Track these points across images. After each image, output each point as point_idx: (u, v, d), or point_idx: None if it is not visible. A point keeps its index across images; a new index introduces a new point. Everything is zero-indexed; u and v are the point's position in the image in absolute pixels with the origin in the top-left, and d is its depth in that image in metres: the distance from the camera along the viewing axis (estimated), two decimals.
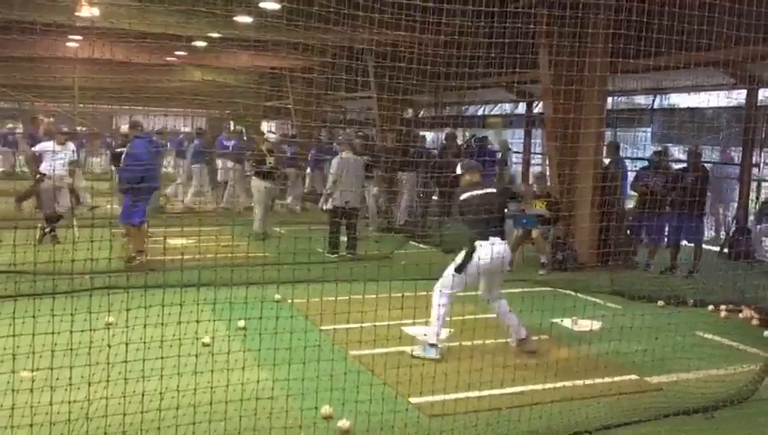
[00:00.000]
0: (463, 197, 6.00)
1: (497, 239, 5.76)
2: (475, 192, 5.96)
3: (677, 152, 13.49)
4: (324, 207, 10.31)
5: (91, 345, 4.03)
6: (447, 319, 5.83)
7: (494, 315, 6.03)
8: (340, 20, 6.24)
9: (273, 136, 12.70)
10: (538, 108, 16.46)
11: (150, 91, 18.51)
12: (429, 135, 17.55)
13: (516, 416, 4.44)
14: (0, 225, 7.75)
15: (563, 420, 4.46)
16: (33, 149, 11.03)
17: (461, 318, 6.12)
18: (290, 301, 6.72)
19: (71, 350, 3.89)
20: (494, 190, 6.05)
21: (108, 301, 4.41)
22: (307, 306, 6.39)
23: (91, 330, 4.01)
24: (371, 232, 12.23)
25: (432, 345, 5.67)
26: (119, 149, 10.51)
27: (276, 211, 12.22)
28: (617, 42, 6.93)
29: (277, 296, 6.82)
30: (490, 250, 5.66)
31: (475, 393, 4.73)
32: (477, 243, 5.70)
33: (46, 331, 3.81)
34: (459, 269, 5.70)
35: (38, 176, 10.38)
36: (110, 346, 4.01)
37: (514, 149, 18.04)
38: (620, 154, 11.18)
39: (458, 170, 6.21)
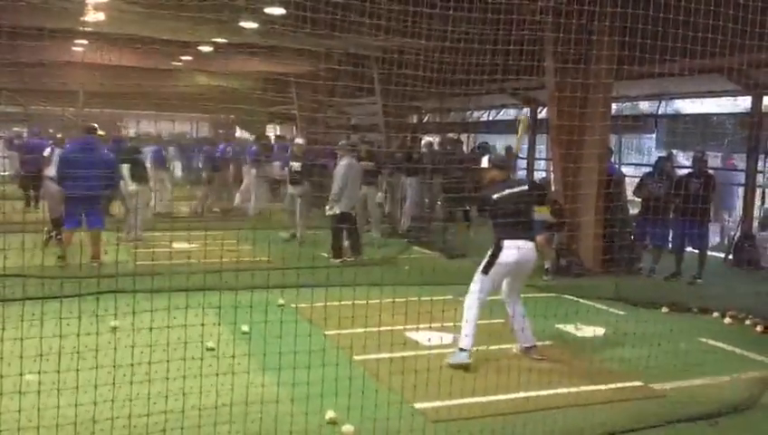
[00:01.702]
0: (496, 196, 5.75)
1: (524, 241, 5.61)
2: (507, 190, 5.76)
3: (682, 158, 13.49)
4: (329, 213, 10.30)
5: (97, 348, 4.05)
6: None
7: (501, 320, 6.02)
8: (345, 26, 6.27)
9: (300, 141, 12.75)
10: (542, 114, 16.48)
11: (156, 96, 18.60)
12: (435, 140, 17.55)
13: (520, 422, 4.44)
14: (7, 229, 7.81)
15: (567, 426, 4.46)
16: (43, 154, 11.14)
17: None
18: (294, 305, 6.73)
19: (77, 353, 3.92)
20: (526, 188, 5.92)
21: (114, 304, 4.44)
22: (311, 311, 6.42)
23: (97, 333, 4.03)
24: (375, 237, 12.26)
25: (462, 350, 5.54)
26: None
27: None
28: (622, 48, 6.96)
29: (281, 301, 6.83)
30: (516, 251, 5.54)
31: (480, 399, 4.73)
32: (503, 243, 5.58)
33: (53, 334, 3.83)
34: (485, 270, 5.62)
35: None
36: (115, 349, 4.04)
37: (520, 155, 18.05)
38: (612, 160, 11.20)
39: (485, 163, 5.95)
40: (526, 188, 5.96)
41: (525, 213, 5.77)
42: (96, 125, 9.80)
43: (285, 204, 12.40)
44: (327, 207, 10.26)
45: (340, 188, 10.08)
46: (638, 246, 10.33)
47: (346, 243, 10.35)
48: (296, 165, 11.79)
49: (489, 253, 5.68)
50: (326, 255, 10.09)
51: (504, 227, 5.65)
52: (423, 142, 15.76)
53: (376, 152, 13.05)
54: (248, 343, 5.58)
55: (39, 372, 3.88)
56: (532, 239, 5.74)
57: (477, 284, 5.64)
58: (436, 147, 15.31)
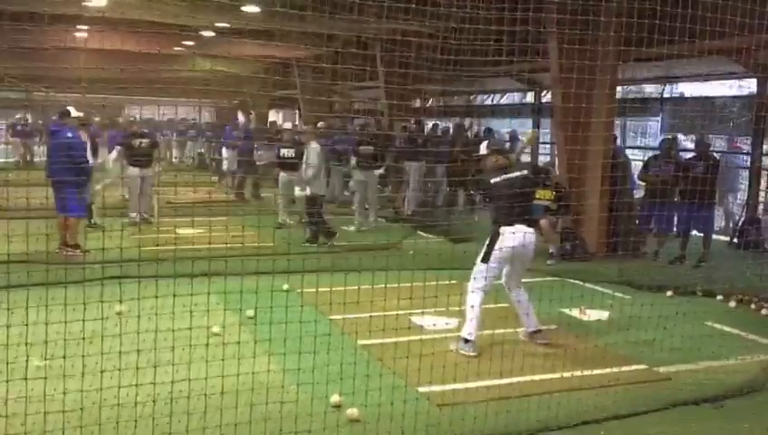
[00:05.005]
0: (493, 181, 5.74)
1: (523, 226, 5.56)
2: (506, 175, 5.71)
3: (688, 142, 13.42)
4: (300, 193, 10.35)
5: (103, 334, 4.06)
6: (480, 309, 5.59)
7: (506, 305, 6.02)
8: (347, 6, 6.20)
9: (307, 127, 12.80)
10: (546, 98, 16.38)
11: (159, 82, 18.50)
12: (440, 125, 17.48)
13: (525, 405, 4.45)
14: (13, 215, 7.83)
15: (572, 409, 4.47)
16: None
17: None
18: (299, 291, 6.73)
19: (83, 339, 3.93)
20: (526, 172, 5.85)
21: (119, 290, 4.44)
22: (316, 296, 6.41)
23: (102, 319, 4.03)
24: (377, 222, 12.26)
25: (466, 341, 5.54)
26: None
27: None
28: (627, 30, 6.87)
29: (285, 286, 6.83)
30: (513, 237, 5.50)
31: (484, 383, 4.74)
32: (502, 229, 5.55)
33: (59, 320, 3.84)
34: (485, 259, 5.58)
35: None
36: (121, 335, 4.04)
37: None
38: (618, 144, 11.15)
39: (483, 150, 5.90)
40: (527, 172, 5.90)
41: (525, 198, 5.71)
42: (70, 109, 9.34)
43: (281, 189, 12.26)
44: (298, 188, 10.42)
45: (317, 173, 10.07)
46: (642, 230, 10.30)
47: (314, 227, 10.28)
48: (287, 151, 11.70)
49: (487, 240, 5.63)
50: (326, 240, 10.10)
51: (502, 213, 5.62)
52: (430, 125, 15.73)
53: (379, 136, 12.96)
54: (254, 329, 5.60)
55: (45, 358, 3.89)
56: (531, 224, 5.71)
57: (479, 272, 5.60)
58: (451, 130, 15.27)
